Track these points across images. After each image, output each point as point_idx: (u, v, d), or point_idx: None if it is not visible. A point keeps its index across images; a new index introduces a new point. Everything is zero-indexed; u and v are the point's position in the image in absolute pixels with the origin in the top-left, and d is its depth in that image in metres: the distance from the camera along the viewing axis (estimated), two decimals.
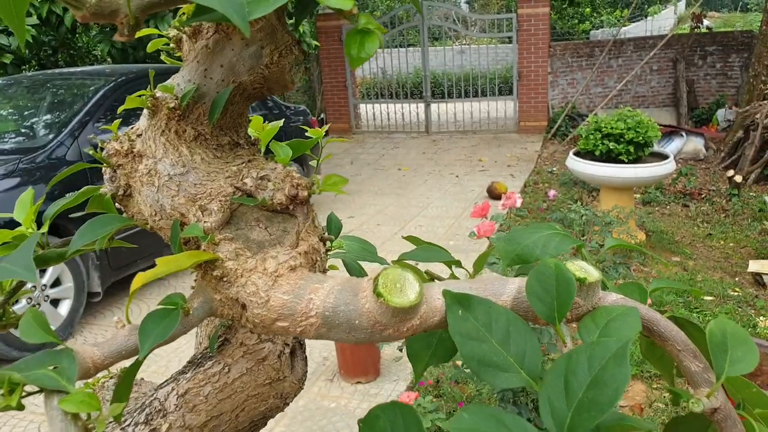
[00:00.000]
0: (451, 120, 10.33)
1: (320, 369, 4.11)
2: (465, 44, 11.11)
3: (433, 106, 10.33)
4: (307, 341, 0.73)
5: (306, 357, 0.69)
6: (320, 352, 4.22)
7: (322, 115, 10.27)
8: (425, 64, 10.01)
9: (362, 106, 10.99)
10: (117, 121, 0.56)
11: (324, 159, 0.72)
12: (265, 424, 0.67)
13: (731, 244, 5.18)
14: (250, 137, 0.58)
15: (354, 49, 0.43)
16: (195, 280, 0.53)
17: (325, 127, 0.75)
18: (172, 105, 0.52)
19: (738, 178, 5.94)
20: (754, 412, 0.53)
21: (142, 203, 0.54)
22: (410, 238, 0.68)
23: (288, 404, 0.65)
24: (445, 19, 10.27)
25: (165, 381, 0.63)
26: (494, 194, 6.26)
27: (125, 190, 0.54)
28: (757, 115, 6.60)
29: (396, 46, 10.64)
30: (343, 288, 0.48)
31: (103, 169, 0.55)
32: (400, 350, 3.73)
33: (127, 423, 0.59)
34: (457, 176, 7.66)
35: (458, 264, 0.59)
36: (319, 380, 4.01)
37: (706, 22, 9.53)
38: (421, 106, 10.32)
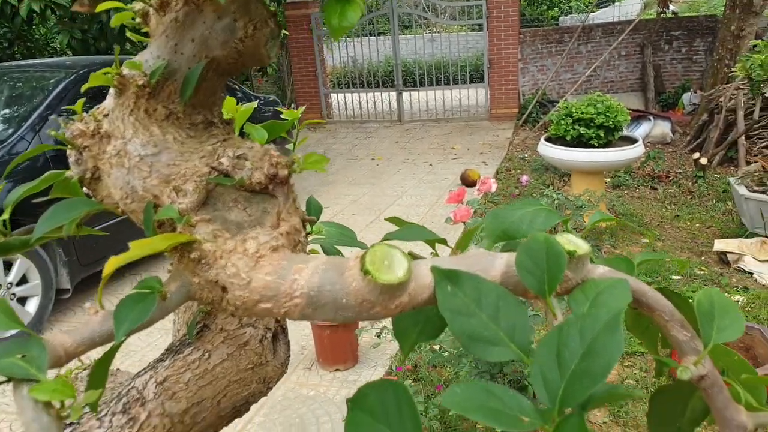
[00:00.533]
0: (423, 108, 10.33)
1: (298, 358, 4.10)
2: (435, 32, 11.09)
3: (405, 95, 10.32)
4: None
5: (288, 341, 0.67)
6: (298, 341, 4.21)
7: (293, 105, 10.19)
8: (396, 53, 9.97)
9: (333, 96, 10.92)
10: (81, 101, 0.53)
11: (302, 142, 0.70)
12: (248, 409, 0.65)
13: (697, 225, 5.28)
14: (223, 117, 0.56)
15: (335, 19, 0.41)
16: (171, 264, 0.51)
17: (302, 109, 0.73)
18: (140, 83, 0.49)
19: (703, 161, 6.05)
20: (741, 378, 0.53)
21: (111, 186, 0.51)
22: (393, 219, 0.67)
23: (271, 388, 0.64)
24: (414, 7, 10.24)
25: (142, 369, 0.61)
26: (468, 182, 6.28)
27: (93, 173, 0.52)
28: (721, 99, 6.71)
29: (366, 35, 10.57)
30: (328, 267, 0.46)
31: (68, 151, 0.52)
32: (378, 336, 3.73)
33: (103, 413, 0.57)
34: (430, 165, 7.67)
35: (444, 242, 0.58)
36: (298, 369, 4.00)
37: (671, 6, 9.64)
38: (393, 94, 10.29)
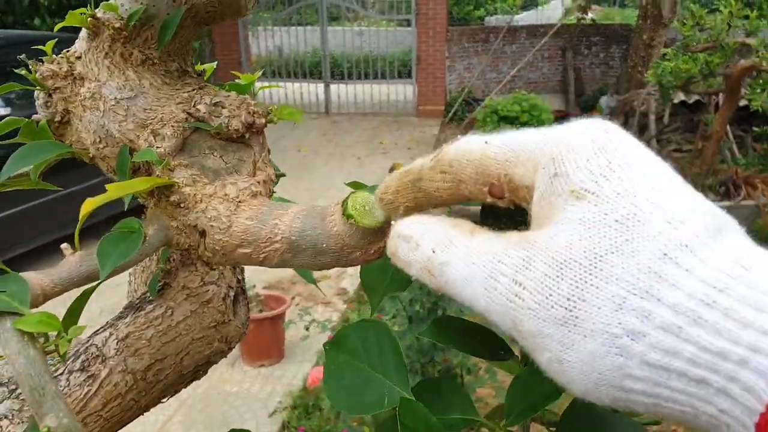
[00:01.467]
0: (351, 101, 10.33)
1: None
2: (364, 26, 11.12)
3: (333, 87, 10.27)
4: None
5: (248, 303, 0.68)
6: None
7: None
8: (324, 44, 9.93)
9: (258, 85, 10.72)
10: (52, 42, 0.51)
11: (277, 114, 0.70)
12: (206, 371, 0.65)
13: None
14: (195, 68, 0.56)
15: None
16: (147, 209, 0.50)
17: (258, 73, 0.73)
18: (117, 25, 0.48)
19: None
20: None
21: (83, 130, 0.50)
22: (353, 184, 0.68)
23: (232, 349, 0.64)
24: None
25: (100, 327, 0.59)
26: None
27: (63, 117, 0.50)
28: (634, 102, 7.07)
29: (294, 24, 10.46)
30: (308, 213, 0.47)
31: (36, 93, 0.51)
32: (307, 329, 3.71)
33: (59, 372, 0.56)
34: (359, 158, 7.69)
35: None
36: (220, 366, 3.92)
37: (590, 14, 10.07)
38: (321, 86, 10.24)
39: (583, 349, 0.29)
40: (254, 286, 3.78)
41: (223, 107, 0.50)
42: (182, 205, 0.47)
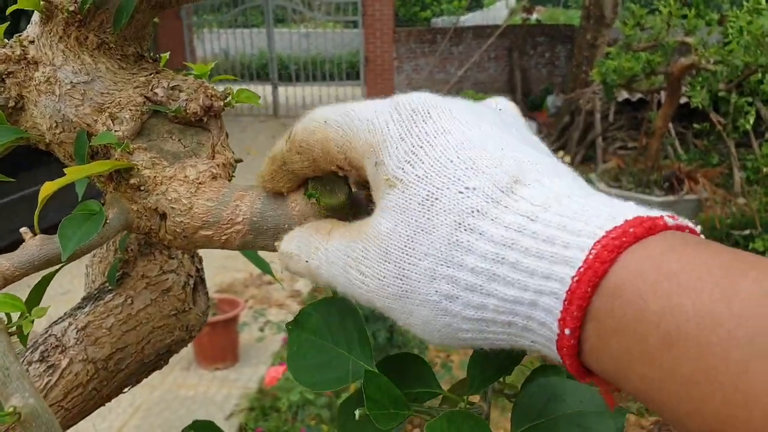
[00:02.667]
0: (299, 104, 10.28)
1: (175, 358, 3.94)
2: (311, 28, 11.08)
3: (281, 89, 10.20)
4: None
5: (207, 292, 0.67)
6: None
7: None
8: (271, 46, 9.85)
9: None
10: (3, 26, 0.50)
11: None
12: (167, 361, 0.65)
13: None
14: (151, 53, 0.56)
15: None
16: (106, 193, 0.50)
17: (211, 64, 0.73)
18: (71, 9, 0.48)
19: (567, 159, 6.53)
20: None
21: (38, 116, 0.49)
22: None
23: (193, 337, 0.64)
24: (289, 0, 10.17)
25: (59, 318, 0.58)
26: None
27: (16, 102, 0.49)
28: (580, 101, 7.26)
29: (239, 27, 10.35)
30: (270, 194, 0.48)
31: None
32: (262, 330, 3.68)
33: None
34: None
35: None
36: (175, 370, 3.87)
37: (534, 14, 10.28)
38: (268, 88, 10.15)
39: (419, 315, 0.34)
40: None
41: (180, 91, 0.50)
42: (142, 188, 0.47)
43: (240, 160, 0.59)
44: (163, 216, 0.48)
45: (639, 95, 6.72)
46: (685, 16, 4.86)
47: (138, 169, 0.47)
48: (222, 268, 4.90)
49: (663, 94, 5.71)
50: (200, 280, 0.67)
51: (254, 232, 0.47)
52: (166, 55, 0.67)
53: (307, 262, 0.40)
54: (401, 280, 0.34)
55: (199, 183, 0.47)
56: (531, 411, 0.42)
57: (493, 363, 0.41)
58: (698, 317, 0.25)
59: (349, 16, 9.72)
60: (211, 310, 3.65)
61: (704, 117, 5.70)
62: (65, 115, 0.48)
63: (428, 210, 0.32)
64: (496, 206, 0.31)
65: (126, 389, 0.61)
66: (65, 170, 0.44)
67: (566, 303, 0.28)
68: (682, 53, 5.16)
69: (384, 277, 0.34)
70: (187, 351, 3.84)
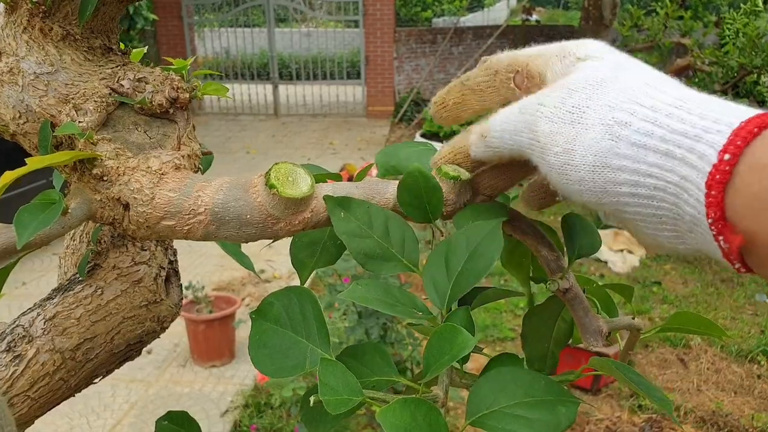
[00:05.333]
0: (300, 103, 10.28)
1: (171, 355, 3.97)
2: (312, 27, 11.08)
3: (282, 89, 10.20)
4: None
5: (181, 285, 0.68)
6: (171, 338, 4.07)
7: None
8: (272, 45, 9.85)
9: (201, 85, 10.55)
10: None
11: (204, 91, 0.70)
12: (140, 352, 0.65)
13: (559, 219, 5.68)
14: (120, 46, 0.56)
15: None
16: (70, 183, 0.50)
17: (190, 60, 0.74)
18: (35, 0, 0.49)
19: None
20: (591, 289, 0.61)
21: (2, 106, 0.50)
22: (309, 166, 0.69)
23: (165, 329, 0.64)
24: (290, 0, 10.17)
25: (28, 309, 0.59)
26: (348, 175, 6.37)
27: None
28: None
29: (240, 26, 10.35)
30: (232, 185, 0.48)
31: None
32: None
33: None
34: (308, 159, 7.67)
35: (338, 177, 0.62)
36: (171, 366, 3.87)
37: (534, 15, 10.27)
38: (269, 87, 10.15)
39: (585, 137, 0.39)
40: (203, 287, 3.74)
41: (147, 83, 0.51)
42: (105, 179, 0.47)
43: (210, 153, 0.59)
44: (127, 206, 0.48)
45: None
46: (681, 18, 4.86)
47: (101, 159, 0.47)
48: (219, 266, 4.91)
49: None
50: (173, 272, 0.67)
51: (216, 223, 0.48)
52: (142, 50, 0.67)
53: (485, 136, 0.47)
54: (580, 108, 0.40)
55: (162, 174, 0.48)
56: (484, 400, 0.43)
57: (447, 348, 0.41)
58: None
59: (350, 16, 9.73)
60: (208, 308, 3.66)
61: None
62: (29, 105, 0.49)
63: (622, 69, 0.40)
64: (675, 86, 0.39)
65: (97, 380, 0.62)
66: (27, 160, 0.44)
67: (731, 136, 0.33)
68: (678, 54, 5.16)
69: (563, 105, 0.40)
70: (184, 348, 3.85)
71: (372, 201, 0.52)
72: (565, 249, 0.58)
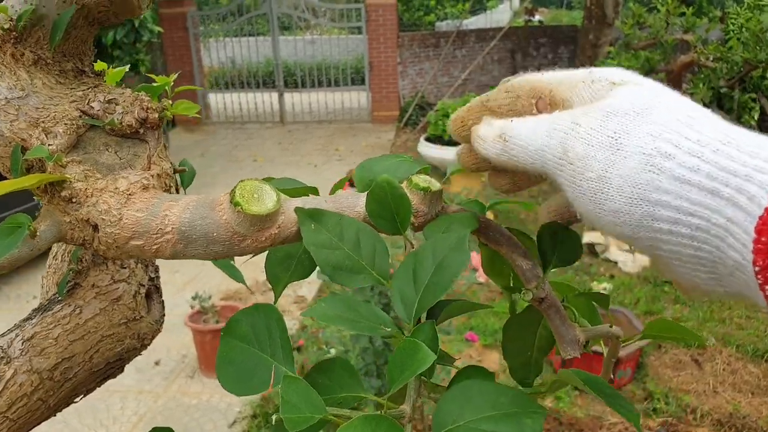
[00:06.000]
0: (306, 110, 10.32)
1: (179, 366, 3.98)
2: (316, 34, 11.12)
3: (287, 96, 10.24)
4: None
5: (163, 301, 0.68)
6: (179, 349, 4.09)
7: None
8: (276, 54, 9.89)
9: (211, 96, 10.63)
10: None
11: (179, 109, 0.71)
12: (122, 369, 0.65)
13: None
14: (94, 68, 0.57)
15: None
16: (42, 205, 0.51)
17: (174, 76, 0.74)
18: (6, 26, 0.49)
19: None
20: (571, 298, 0.60)
21: None
22: (269, 180, 0.70)
23: (146, 346, 0.64)
24: (294, 8, 10.21)
25: (7, 330, 0.59)
26: (352, 182, 6.37)
27: None
28: None
29: (245, 35, 10.41)
30: (198, 203, 0.49)
31: None
32: None
33: None
34: (315, 166, 7.69)
35: (315, 191, 0.62)
36: (179, 378, 3.88)
37: (537, 16, 10.26)
38: (275, 95, 10.19)
39: (623, 166, 0.36)
40: (210, 297, 3.76)
41: (116, 104, 0.51)
42: (74, 200, 0.48)
43: (183, 170, 0.59)
44: (96, 227, 0.49)
45: None
46: (683, 14, 4.84)
47: (69, 181, 0.48)
48: (227, 276, 4.92)
49: None
50: (155, 288, 0.68)
51: (184, 242, 0.48)
52: (122, 70, 0.68)
53: (504, 139, 0.45)
54: (619, 134, 0.37)
55: (129, 194, 0.48)
56: (450, 415, 0.43)
57: (409, 362, 0.41)
58: None
59: (353, 22, 9.75)
60: (215, 318, 3.67)
61: None
62: (0, 130, 0.49)
63: (659, 97, 0.39)
64: (719, 120, 0.37)
65: (77, 399, 0.62)
66: None
67: None
68: (681, 51, 5.13)
69: (601, 128, 0.38)
70: (191, 359, 3.86)
71: (343, 215, 0.52)
72: (540, 258, 0.58)
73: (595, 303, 0.60)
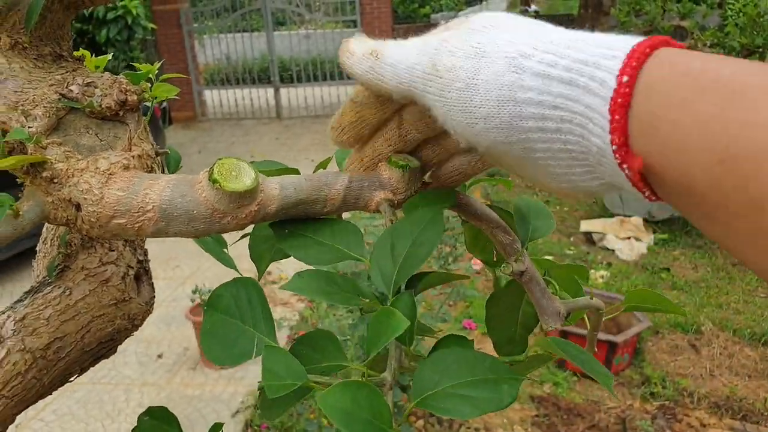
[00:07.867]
0: (302, 105, 10.30)
1: (181, 359, 4.00)
2: (311, 29, 11.10)
3: (283, 91, 10.22)
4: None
5: (152, 283, 0.69)
6: (180, 342, 4.11)
7: (164, 104, 9.84)
8: (271, 48, 9.87)
9: (207, 93, 10.61)
10: None
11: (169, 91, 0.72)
12: (115, 349, 0.66)
13: (566, 209, 5.67)
14: (73, 53, 0.58)
15: None
16: (24, 186, 0.52)
17: (157, 64, 0.75)
18: None
19: None
20: (553, 272, 0.61)
21: None
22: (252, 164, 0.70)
23: (137, 327, 0.65)
24: (288, 3, 10.19)
25: (0, 311, 0.60)
26: None
27: None
28: None
29: (239, 31, 10.38)
30: (178, 182, 0.49)
31: None
32: None
33: None
34: (312, 160, 7.68)
35: (296, 172, 0.63)
36: (182, 370, 3.90)
37: (533, 6, 10.24)
38: (271, 91, 10.17)
39: (488, 71, 0.38)
40: (210, 291, 3.77)
41: (95, 87, 0.52)
42: (55, 181, 0.49)
43: (165, 152, 0.60)
44: (78, 206, 0.49)
45: None
46: (680, 0, 4.83)
47: (50, 162, 0.49)
48: (227, 269, 4.94)
49: None
50: (144, 271, 0.69)
51: (165, 219, 0.49)
52: (105, 57, 0.69)
53: (376, 56, 0.46)
54: (482, 44, 0.40)
55: (110, 174, 0.49)
56: (429, 382, 0.44)
57: (385, 329, 0.42)
58: (721, 77, 0.30)
59: (347, 16, 9.74)
60: None
61: None
62: None
63: (512, 17, 0.42)
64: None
65: (72, 378, 0.63)
66: None
67: (626, 59, 0.33)
68: (678, 37, 5.13)
69: (467, 41, 0.40)
70: (193, 351, 3.88)
71: (320, 193, 0.53)
72: (518, 230, 0.59)
73: (575, 274, 0.61)
